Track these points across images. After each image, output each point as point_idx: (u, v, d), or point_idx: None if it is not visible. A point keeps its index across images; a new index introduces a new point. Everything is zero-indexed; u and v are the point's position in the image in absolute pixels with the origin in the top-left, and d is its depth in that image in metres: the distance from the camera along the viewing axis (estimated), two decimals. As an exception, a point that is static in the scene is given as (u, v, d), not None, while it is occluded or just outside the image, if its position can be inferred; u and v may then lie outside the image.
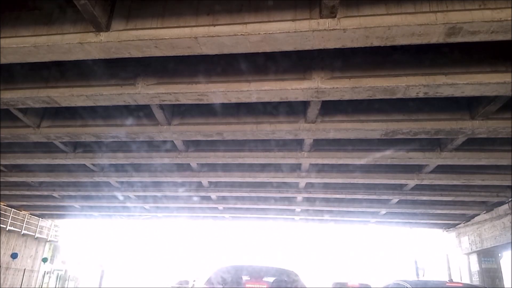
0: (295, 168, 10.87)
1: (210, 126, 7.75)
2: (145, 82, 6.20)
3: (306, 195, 13.15)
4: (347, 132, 7.41)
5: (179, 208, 16.79)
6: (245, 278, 5.06)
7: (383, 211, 14.82)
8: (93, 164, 11.20)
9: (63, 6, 5.09)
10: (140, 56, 5.26)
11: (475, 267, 15.08)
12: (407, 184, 11.57)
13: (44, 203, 16.97)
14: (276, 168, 11.00)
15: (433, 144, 8.70)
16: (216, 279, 4.97)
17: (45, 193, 14.81)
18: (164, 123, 7.75)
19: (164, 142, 9.36)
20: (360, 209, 14.82)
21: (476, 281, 14.81)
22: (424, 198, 12.54)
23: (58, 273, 23.75)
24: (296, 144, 9.24)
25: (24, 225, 19.35)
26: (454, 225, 16.65)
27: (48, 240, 21.75)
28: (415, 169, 10.29)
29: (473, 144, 8.43)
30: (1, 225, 17.56)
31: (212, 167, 11.30)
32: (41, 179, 13.16)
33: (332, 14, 4.43)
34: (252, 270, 5.27)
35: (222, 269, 5.20)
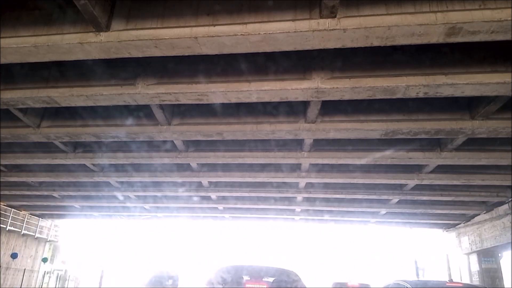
0: (295, 168, 10.87)
1: (210, 126, 7.75)
2: (145, 82, 6.20)
3: (306, 195, 13.15)
4: (347, 132, 7.41)
5: (179, 208, 16.79)
6: (245, 278, 5.07)
7: (383, 211, 14.82)
8: (93, 164, 11.20)
9: (63, 6, 5.09)
10: (140, 56, 5.25)
11: (475, 267, 15.08)
12: (407, 184, 11.57)
13: (44, 203, 16.97)
14: (276, 168, 11.00)
15: (433, 144, 8.70)
16: (216, 279, 4.97)
17: (45, 193, 14.82)
18: (164, 123, 7.75)
19: (164, 142, 9.36)
20: (360, 209, 14.82)
21: (476, 281, 14.81)
22: (424, 198, 12.54)
23: (58, 273, 23.75)
24: (296, 144, 9.24)
25: (24, 225, 19.35)
26: (454, 225, 16.65)
27: (48, 240, 21.75)
28: (415, 169, 10.29)
29: (473, 144, 8.42)
30: (1, 225, 17.56)
31: (212, 167, 11.30)
32: (41, 179, 13.17)
33: (332, 14, 4.44)
34: (252, 270, 5.27)
35: (222, 269, 5.21)
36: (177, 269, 15.59)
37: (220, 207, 16.02)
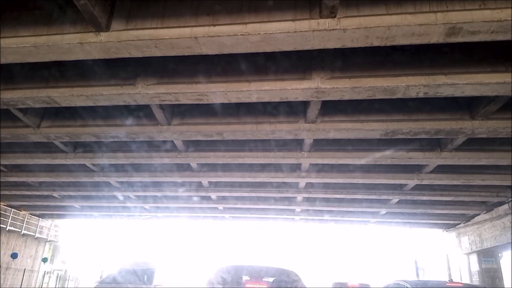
0: (295, 168, 10.87)
1: (210, 126, 7.75)
2: (145, 82, 6.20)
3: (306, 195, 13.15)
4: (347, 132, 7.41)
5: (179, 208, 16.79)
6: (245, 278, 5.07)
7: (383, 211, 14.82)
8: (93, 164, 11.20)
9: (63, 6, 5.09)
10: (140, 56, 5.26)
11: (475, 267, 15.08)
12: (407, 184, 11.57)
13: (44, 203, 16.97)
14: (276, 168, 11.00)
15: (433, 144, 8.70)
16: (216, 279, 4.97)
17: (45, 193, 14.82)
18: (164, 123, 7.75)
19: (164, 142, 9.36)
20: (360, 209, 14.82)
21: (476, 281, 14.81)
22: (424, 198, 12.54)
23: (58, 273, 23.77)
24: (296, 144, 9.24)
25: (24, 225, 19.35)
26: (454, 225, 16.65)
27: (48, 240, 21.76)
28: (415, 169, 10.29)
29: (473, 144, 8.42)
30: (1, 225, 17.56)
31: (212, 167, 11.30)
32: (41, 179, 13.16)
33: (332, 14, 4.44)
34: (252, 270, 5.27)
35: (222, 269, 5.20)
36: (154, 262, 11.95)
37: (220, 207, 16.02)
